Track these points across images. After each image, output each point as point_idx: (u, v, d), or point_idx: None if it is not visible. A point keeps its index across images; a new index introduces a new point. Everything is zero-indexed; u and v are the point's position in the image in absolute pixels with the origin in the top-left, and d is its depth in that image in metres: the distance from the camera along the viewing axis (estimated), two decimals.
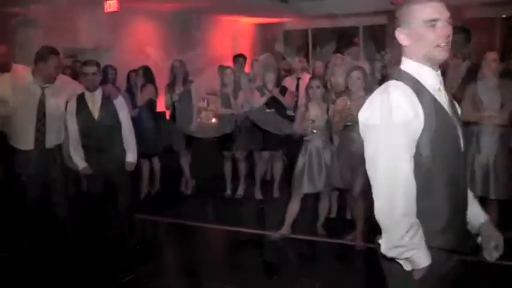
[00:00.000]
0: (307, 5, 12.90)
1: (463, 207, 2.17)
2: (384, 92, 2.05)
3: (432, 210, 2.03)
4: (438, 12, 2.03)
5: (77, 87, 5.21)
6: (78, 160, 5.06)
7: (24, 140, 4.97)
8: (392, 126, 1.96)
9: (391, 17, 11.50)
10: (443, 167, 2.03)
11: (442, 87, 2.12)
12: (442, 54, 2.05)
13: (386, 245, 2.01)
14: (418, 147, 2.00)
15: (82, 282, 4.83)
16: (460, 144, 2.13)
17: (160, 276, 4.95)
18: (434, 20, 2.03)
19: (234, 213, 6.74)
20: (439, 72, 2.13)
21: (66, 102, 5.10)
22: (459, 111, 2.26)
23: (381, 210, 1.99)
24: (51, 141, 5.06)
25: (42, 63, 4.88)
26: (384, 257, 2.07)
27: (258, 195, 7.34)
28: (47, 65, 4.88)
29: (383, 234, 2.02)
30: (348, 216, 5.99)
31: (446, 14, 2.03)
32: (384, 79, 8.20)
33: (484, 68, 4.70)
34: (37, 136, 4.97)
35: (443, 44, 2.03)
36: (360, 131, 2.12)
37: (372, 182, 2.03)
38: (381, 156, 1.98)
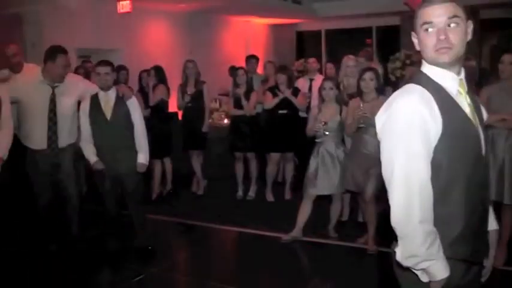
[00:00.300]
0: (320, 6, 12.89)
1: (484, 214, 2.11)
2: (401, 96, 2.00)
3: (451, 218, 1.97)
4: (433, 16, 1.97)
5: (89, 87, 5.21)
6: (90, 155, 5.04)
7: (38, 140, 4.98)
8: (408, 131, 1.91)
9: (405, 18, 11.46)
10: (463, 173, 1.98)
11: (462, 90, 2.06)
12: (443, 58, 1.98)
13: (401, 254, 1.96)
14: (436, 152, 1.94)
15: (93, 281, 4.85)
16: (481, 149, 2.07)
17: (171, 276, 4.95)
18: (428, 23, 1.98)
19: (245, 214, 6.71)
20: (461, 75, 2.07)
21: (79, 102, 5.11)
22: (485, 115, 2.21)
23: (397, 217, 1.94)
24: (64, 140, 5.05)
25: (50, 63, 4.90)
26: (399, 265, 2.02)
27: (270, 197, 7.32)
28: (55, 64, 4.89)
29: (399, 242, 1.97)
30: (360, 219, 5.95)
31: (443, 17, 1.96)
32: (397, 80, 8.17)
33: (501, 71, 4.63)
34: (49, 135, 4.97)
35: (442, 48, 1.97)
36: (377, 135, 2.07)
37: (388, 188, 1.99)
38: (397, 162, 1.93)
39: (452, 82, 2.04)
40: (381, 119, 2.04)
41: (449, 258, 1.96)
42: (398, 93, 2.04)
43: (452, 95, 2.01)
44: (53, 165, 5.02)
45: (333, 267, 5.00)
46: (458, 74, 2.06)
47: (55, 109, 4.95)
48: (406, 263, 1.96)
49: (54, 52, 4.90)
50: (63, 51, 4.95)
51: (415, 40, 2.09)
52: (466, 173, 1.98)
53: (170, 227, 6.49)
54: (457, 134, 1.95)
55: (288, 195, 7.33)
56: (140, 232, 5.28)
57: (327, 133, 5.41)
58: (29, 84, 4.94)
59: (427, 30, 1.99)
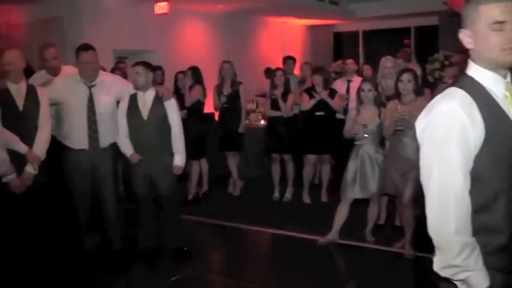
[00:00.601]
0: (357, 7, 12.78)
1: None
2: (441, 101, 1.91)
3: (492, 228, 1.90)
4: (507, 13, 1.85)
5: (126, 86, 5.23)
6: (127, 149, 5.07)
7: (78, 139, 4.99)
8: (447, 139, 1.85)
9: (443, 18, 11.27)
10: (507, 181, 1.89)
11: (509, 94, 1.95)
12: (509, 58, 1.88)
13: (439, 264, 1.90)
14: (478, 160, 1.86)
15: (129, 281, 4.89)
16: None
17: (207, 277, 4.97)
18: (502, 22, 1.86)
19: (281, 216, 6.69)
20: (508, 78, 1.97)
21: (118, 101, 5.14)
22: None
23: (433, 227, 1.88)
24: (105, 139, 5.04)
25: (77, 62, 4.96)
26: (438, 275, 1.96)
27: (306, 199, 7.28)
28: (78, 61, 4.94)
29: (436, 252, 1.91)
30: (397, 223, 5.86)
31: None
32: (436, 82, 8.03)
33: None
34: (90, 134, 4.99)
35: (509, 49, 1.86)
36: (417, 139, 2.00)
37: (425, 195, 1.93)
38: (434, 170, 1.87)
39: (499, 85, 1.94)
40: (421, 123, 1.97)
41: (487, 267, 1.88)
42: (439, 97, 1.95)
43: (497, 100, 1.92)
44: (92, 166, 5.04)
45: (369, 271, 4.94)
46: (505, 77, 1.97)
47: (93, 108, 4.97)
48: (443, 273, 1.90)
49: (78, 50, 4.95)
50: (84, 48, 4.96)
51: (466, 38, 1.97)
52: (509, 182, 1.90)
53: (206, 228, 6.51)
54: (499, 140, 1.87)
55: (324, 198, 7.29)
56: (174, 233, 5.29)
57: (366, 135, 5.34)
58: (67, 85, 4.99)
59: (497, 30, 1.87)
